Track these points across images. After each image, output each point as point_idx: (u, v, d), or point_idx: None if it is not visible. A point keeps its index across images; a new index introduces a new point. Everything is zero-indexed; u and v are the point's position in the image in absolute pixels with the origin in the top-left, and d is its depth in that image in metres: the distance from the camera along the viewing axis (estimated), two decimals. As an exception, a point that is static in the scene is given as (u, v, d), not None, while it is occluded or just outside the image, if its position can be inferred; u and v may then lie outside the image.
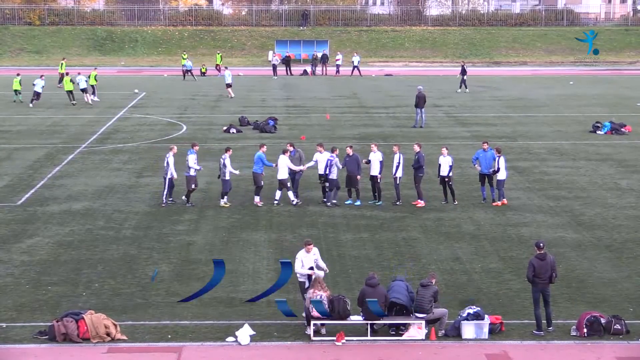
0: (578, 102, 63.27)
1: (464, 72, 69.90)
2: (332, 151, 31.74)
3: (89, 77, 62.14)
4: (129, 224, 29.53)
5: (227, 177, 31.37)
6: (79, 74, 62.04)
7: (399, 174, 31.92)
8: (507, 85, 76.12)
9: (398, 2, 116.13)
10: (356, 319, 20.11)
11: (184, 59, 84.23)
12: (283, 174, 31.60)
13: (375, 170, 31.84)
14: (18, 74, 64.07)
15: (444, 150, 32.20)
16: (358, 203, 31.84)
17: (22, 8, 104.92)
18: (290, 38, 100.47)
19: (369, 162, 32.33)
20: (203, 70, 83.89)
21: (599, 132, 48.43)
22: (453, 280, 23.79)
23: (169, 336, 20.01)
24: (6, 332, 20.21)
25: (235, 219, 30.14)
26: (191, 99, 64.77)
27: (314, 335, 19.84)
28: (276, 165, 31.70)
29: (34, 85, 59.87)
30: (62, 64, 72.94)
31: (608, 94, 68.88)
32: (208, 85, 69.81)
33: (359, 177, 31.85)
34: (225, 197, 31.63)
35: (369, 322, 19.93)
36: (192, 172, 31.39)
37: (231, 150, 32.25)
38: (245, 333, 19.75)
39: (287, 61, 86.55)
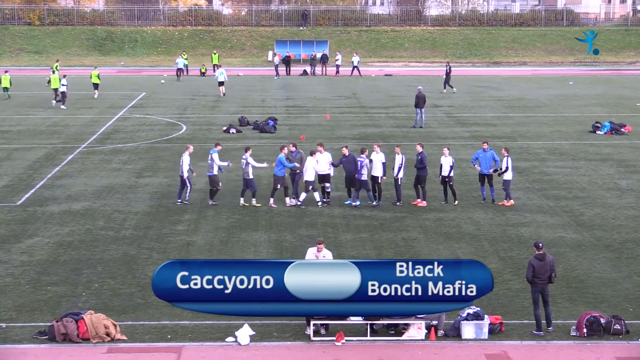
0: (578, 102, 63.27)
1: (448, 72, 69.95)
2: (362, 152, 31.58)
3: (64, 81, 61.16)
4: (128, 224, 29.54)
5: (251, 176, 31.42)
6: (64, 76, 61.52)
7: (401, 174, 31.91)
8: (507, 85, 76.11)
9: (398, 2, 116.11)
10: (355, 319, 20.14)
11: (184, 59, 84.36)
12: (310, 176, 31.55)
13: (376, 170, 31.81)
14: (6, 71, 64.64)
15: (446, 151, 32.19)
16: (357, 203, 31.85)
17: (22, 8, 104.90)
18: (290, 38, 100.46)
19: (369, 161, 32.35)
20: (203, 71, 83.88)
21: (598, 132, 48.43)
22: (453, 281, 23.77)
23: (169, 336, 20.02)
24: (6, 332, 20.22)
25: (235, 219, 30.15)
26: (191, 99, 64.78)
27: (314, 336, 19.85)
28: (298, 168, 31.58)
29: (63, 85, 59.42)
30: (56, 65, 72.91)
31: (608, 94, 68.88)
32: (208, 86, 69.79)
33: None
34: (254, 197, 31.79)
35: (369, 322, 19.95)
36: (215, 171, 31.45)
37: (251, 149, 32.24)
38: (245, 333, 19.76)
39: (287, 61, 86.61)
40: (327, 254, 21.12)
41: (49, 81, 61.87)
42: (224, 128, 49.22)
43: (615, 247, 27.03)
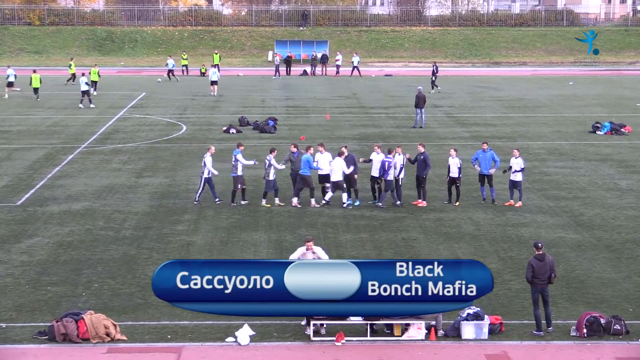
0: (578, 103, 63.28)
1: (434, 72, 69.92)
2: (389, 152, 31.48)
3: (89, 78, 62.33)
4: (128, 224, 29.54)
5: (272, 177, 31.39)
6: (82, 74, 61.93)
7: (401, 175, 31.89)
8: (507, 85, 76.10)
9: (398, 3, 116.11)
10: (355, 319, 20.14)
11: (184, 59, 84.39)
12: (337, 176, 31.51)
13: (376, 171, 31.79)
14: (34, 70, 65.30)
15: (453, 152, 32.13)
16: (357, 203, 31.84)
17: (22, 8, 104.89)
18: (290, 38, 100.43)
19: (369, 161, 32.35)
20: (203, 71, 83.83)
21: (598, 132, 48.44)
22: (453, 281, 23.76)
23: (169, 336, 20.02)
24: (6, 332, 20.22)
25: (235, 219, 30.16)
26: (191, 99, 64.79)
27: (314, 336, 19.86)
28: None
29: (87, 84, 59.59)
30: (70, 64, 73.72)
31: (608, 94, 68.89)
32: (208, 86, 69.75)
33: (356, 176, 31.86)
34: (277, 197, 31.84)
35: (369, 322, 19.95)
36: (239, 172, 31.41)
37: (276, 151, 32.12)
38: (244, 333, 19.76)
39: (287, 61, 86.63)
40: (318, 251, 21.07)
41: (31, 81, 62.34)
42: (224, 128, 49.23)
43: (615, 248, 27.03)
